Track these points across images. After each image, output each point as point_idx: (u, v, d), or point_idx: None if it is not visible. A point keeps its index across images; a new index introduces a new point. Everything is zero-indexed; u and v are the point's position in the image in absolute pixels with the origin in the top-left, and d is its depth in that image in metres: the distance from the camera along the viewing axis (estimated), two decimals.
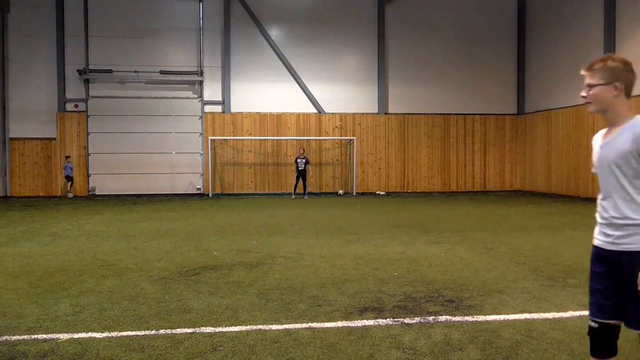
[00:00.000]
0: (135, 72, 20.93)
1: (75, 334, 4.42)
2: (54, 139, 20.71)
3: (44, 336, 4.38)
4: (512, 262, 7.32)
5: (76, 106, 20.83)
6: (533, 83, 22.31)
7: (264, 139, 21.47)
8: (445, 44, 22.44)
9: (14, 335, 4.42)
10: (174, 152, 21.25)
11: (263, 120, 21.57)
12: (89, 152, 20.84)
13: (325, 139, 21.77)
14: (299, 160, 19.27)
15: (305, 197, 19.28)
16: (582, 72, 2.73)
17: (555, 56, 20.64)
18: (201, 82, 21.38)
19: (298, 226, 11.26)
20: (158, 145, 21.16)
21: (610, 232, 2.67)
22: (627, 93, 2.61)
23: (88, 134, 20.82)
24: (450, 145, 22.45)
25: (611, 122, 2.67)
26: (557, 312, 5.00)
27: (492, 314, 4.96)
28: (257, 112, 21.58)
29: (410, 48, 22.30)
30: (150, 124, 21.08)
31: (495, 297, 5.50)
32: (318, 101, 21.84)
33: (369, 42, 22.09)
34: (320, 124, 21.82)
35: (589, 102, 2.73)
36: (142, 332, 4.47)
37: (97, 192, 20.85)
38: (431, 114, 22.40)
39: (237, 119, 21.45)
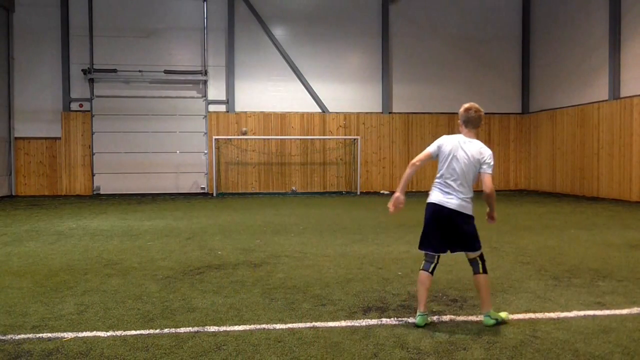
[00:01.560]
0: (140, 71, 20.98)
1: (79, 333, 4.44)
2: (59, 138, 20.78)
3: (49, 335, 4.40)
4: (516, 261, 7.30)
5: (81, 106, 20.90)
6: (538, 82, 22.25)
7: (268, 139, 21.48)
8: (450, 43, 22.40)
9: (18, 334, 4.43)
10: (178, 151, 21.29)
11: (267, 120, 21.58)
12: (94, 151, 20.89)
13: (329, 139, 21.77)
14: None
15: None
16: None
17: (560, 55, 20.58)
18: (205, 82, 21.40)
19: (302, 225, 11.26)
20: (162, 144, 21.20)
21: None
22: None
23: (93, 133, 20.88)
24: None
25: None
26: (562, 312, 4.99)
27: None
28: (261, 112, 21.59)
29: (414, 47, 22.27)
30: (154, 124, 21.12)
31: (499, 297, 5.50)
32: (322, 100, 21.83)
33: (373, 42, 22.06)
34: (324, 123, 21.82)
35: None
36: (147, 331, 4.48)
37: (101, 192, 20.91)
38: (435, 113, 22.36)
39: (241, 119, 21.47)
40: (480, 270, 4.64)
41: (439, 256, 4.72)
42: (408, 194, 18.63)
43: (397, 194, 4.78)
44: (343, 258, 7.62)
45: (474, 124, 4.70)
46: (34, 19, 20.65)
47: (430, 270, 4.69)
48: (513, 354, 3.96)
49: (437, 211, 4.64)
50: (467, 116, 4.70)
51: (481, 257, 4.68)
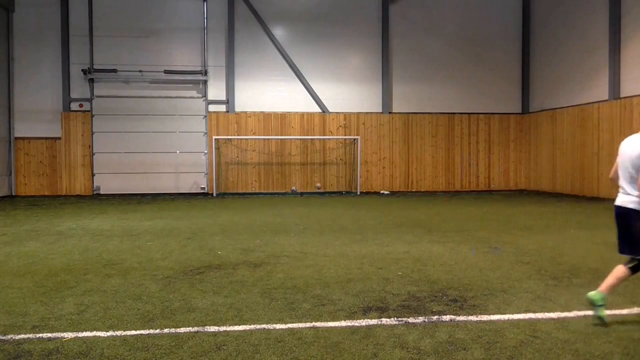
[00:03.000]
0: (140, 71, 20.97)
1: (79, 333, 4.44)
2: (59, 138, 20.78)
3: (49, 335, 4.40)
4: (516, 261, 7.30)
5: (81, 106, 20.89)
6: (538, 82, 22.24)
7: (268, 139, 21.48)
8: (450, 43, 22.39)
9: (19, 334, 4.44)
10: (178, 151, 21.29)
11: (267, 120, 21.58)
12: (94, 151, 20.89)
13: (329, 139, 21.76)
14: None
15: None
16: None
17: (560, 55, 20.57)
18: (205, 82, 21.40)
19: (302, 225, 11.26)
20: (162, 144, 21.20)
21: None
22: None
23: (93, 133, 20.88)
24: (454, 144, 22.40)
25: None
26: (562, 312, 4.99)
27: (497, 313, 4.95)
28: (261, 112, 21.59)
29: (415, 47, 22.26)
30: (154, 124, 21.12)
31: (499, 297, 5.50)
32: (322, 100, 21.83)
33: (373, 42, 22.06)
34: (324, 123, 21.81)
35: None
36: (147, 331, 4.48)
37: (101, 192, 20.91)
38: (435, 113, 22.36)
39: (241, 119, 21.47)
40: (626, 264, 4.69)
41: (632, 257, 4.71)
42: (408, 193, 18.55)
43: None
44: (343, 258, 7.61)
45: None
46: (34, 19, 20.64)
47: (625, 264, 4.72)
48: (513, 354, 3.96)
49: (615, 211, 4.82)
50: None
51: (632, 261, 4.68)
